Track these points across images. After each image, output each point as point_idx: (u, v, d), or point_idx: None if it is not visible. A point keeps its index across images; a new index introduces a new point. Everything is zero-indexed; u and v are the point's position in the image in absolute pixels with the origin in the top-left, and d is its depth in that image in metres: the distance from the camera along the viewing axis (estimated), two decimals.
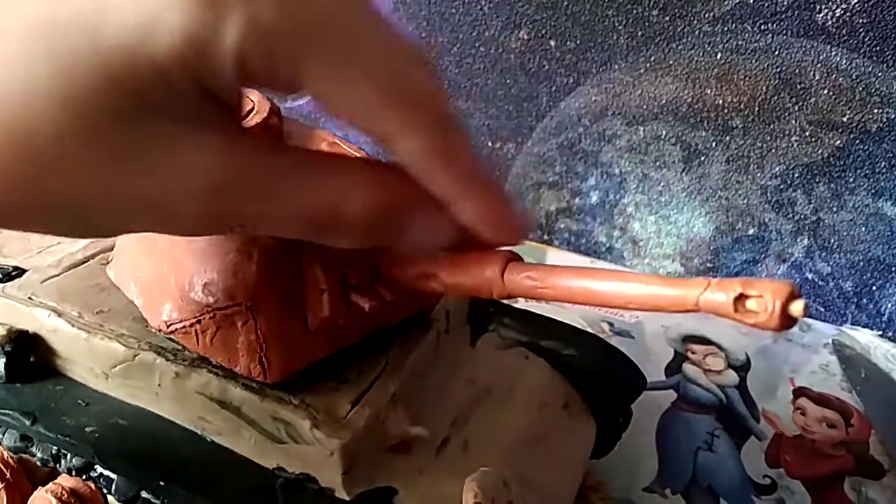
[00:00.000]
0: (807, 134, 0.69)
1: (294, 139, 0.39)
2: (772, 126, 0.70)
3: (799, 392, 0.63)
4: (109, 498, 0.37)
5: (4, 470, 0.38)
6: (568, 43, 0.75)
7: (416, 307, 0.37)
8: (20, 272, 0.42)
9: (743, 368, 0.65)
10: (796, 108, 0.68)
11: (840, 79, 0.66)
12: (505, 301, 0.32)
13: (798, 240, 0.73)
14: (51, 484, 0.37)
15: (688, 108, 0.73)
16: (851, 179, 0.69)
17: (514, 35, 0.77)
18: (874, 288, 0.72)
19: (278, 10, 0.20)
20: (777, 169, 0.71)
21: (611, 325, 0.70)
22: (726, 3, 0.68)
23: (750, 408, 0.61)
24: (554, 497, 0.40)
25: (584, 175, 0.81)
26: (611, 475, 0.52)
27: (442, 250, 0.29)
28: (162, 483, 0.33)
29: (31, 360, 0.39)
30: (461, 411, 0.38)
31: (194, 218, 0.23)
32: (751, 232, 0.75)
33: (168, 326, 0.34)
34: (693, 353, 0.67)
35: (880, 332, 0.71)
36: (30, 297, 0.39)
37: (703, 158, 0.74)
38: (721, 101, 0.71)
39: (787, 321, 0.21)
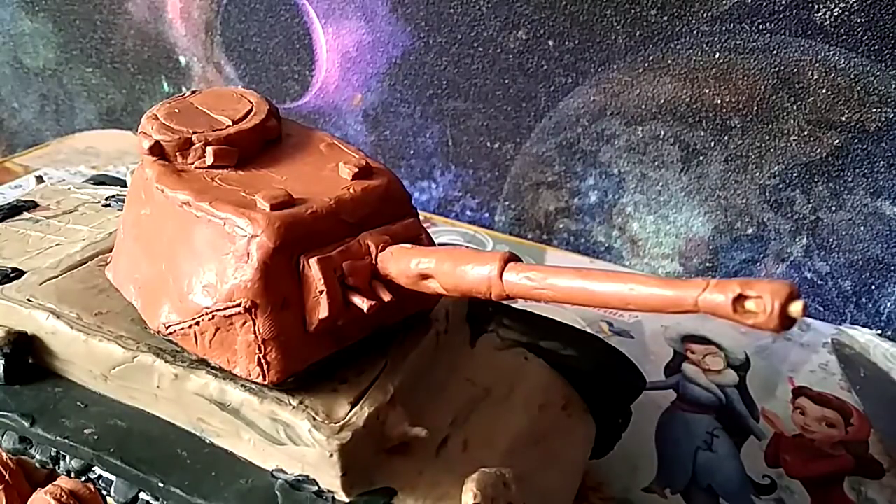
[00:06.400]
0: (805, 133, 0.69)
1: (293, 139, 0.39)
2: (770, 125, 0.70)
3: (798, 391, 0.63)
4: (108, 500, 0.37)
5: (3, 472, 0.38)
6: (566, 43, 0.75)
7: (415, 308, 0.37)
8: (19, 274, 0.42)
9: (742, 368, 0.65)
10: (795, 107, 0.68)
11: (838, 78, 0.66)
12: (504, 301, 0.32)
13: (797, 239, 0.73)
14: (50, 486, 0.37)
15: (686, 107, 0.73)
16: (850, 179, 0.69)
17: (513, 35, 0.77)
18: (873, 287, 0.72)
19: None
20: (776, 168, 0.72)
21: (610, 324, 0.70)
22: (724, 2, 0.68)
23: (749, 407, 0.61)
24: (554, 497, 0.40)
25: (582, 175, 0.81)
26: (610, 475, 0.52)
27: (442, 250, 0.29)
28: (161, 485, 0.33)
29: (30, 361, 0.39)
30: (460, 411, 0.38)
31: None
32: (749, 231, 0.75)
33: (167, 328, 0.34)
34: (692, 352, 0.67)
35: (879, 332, 0.71)
36: (28, 299, 0.39)
37: (701, 158, 0.74)
38: (719, 101, 0.71)
39: (787, 322, 0.21)
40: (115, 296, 0.39)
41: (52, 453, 0.37)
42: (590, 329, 0.66)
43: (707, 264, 0.79)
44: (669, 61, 0.72)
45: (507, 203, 0.87)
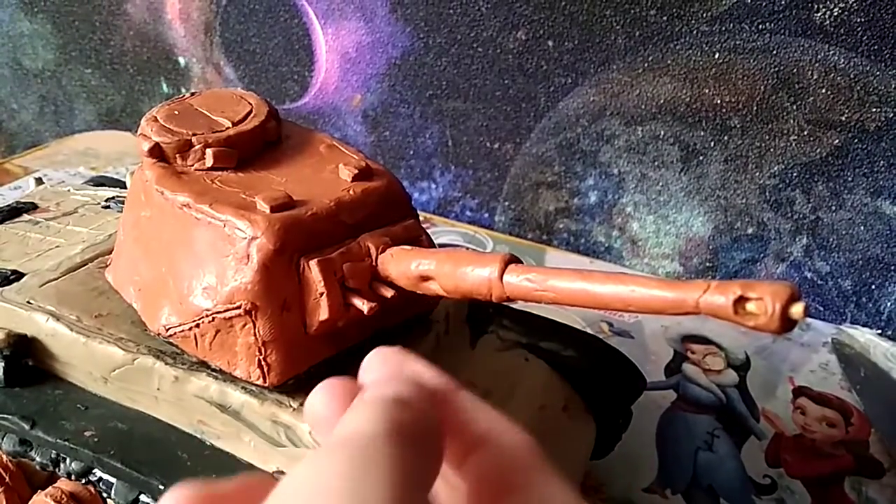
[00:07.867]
0: (805, 133, 0.69)
1: (293, 141, 0.39)
2: (770, 125, 0.70)
3: (798, 391, 0.63)
4: (109, 502, 0.37)
5: (3, 474, 0.38)
6: (566, 43, 0.75)
7: (415, 309, 0.37)
8: (18, 276, 0.42)
9: (742, 368, 0.65)
10: (794, 107, 0.68)
11: (838, 78, 0.66)
12: (504, 303, 0.32)
13: (797, 239, 0.73)
14: (50, 488, 0.37)
15: (686, 107, 0.73)
16: (850, 178, 0.69)
17: (512, 35, 0.77)
18: (873, 287, 0.72)
19: None
20: (775, 168, 0.71)
21: (610, 325, 0.70)
22: (724, 2, 0.68)
23: (750, 407, 0.61)
24: None
25: (582, 175, 0.81)
26: (611, 476, 0.52)
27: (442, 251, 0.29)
28: (161, 487, 0.33)
29: (30, 364, 0.39)
30: None
31: None
32: (749, 231, 0.75)
33: (167, 330, 0.34)
34: (693, 352, 0.67)
35: (879, 331, 0.71)
36: (28, 301, 0.39)
37: (701, 158, 0.74)
38: (719, 101, 0.71)
39: (788, 323, 0.21)
40: (114, 298, 0.39)
41: (53, 455, 0.37)
42: (590, 329, 0.66)
43: (707, 264, 0.79)
44: (669, 61, 0.72)
45: (506, 203, 0.87)
